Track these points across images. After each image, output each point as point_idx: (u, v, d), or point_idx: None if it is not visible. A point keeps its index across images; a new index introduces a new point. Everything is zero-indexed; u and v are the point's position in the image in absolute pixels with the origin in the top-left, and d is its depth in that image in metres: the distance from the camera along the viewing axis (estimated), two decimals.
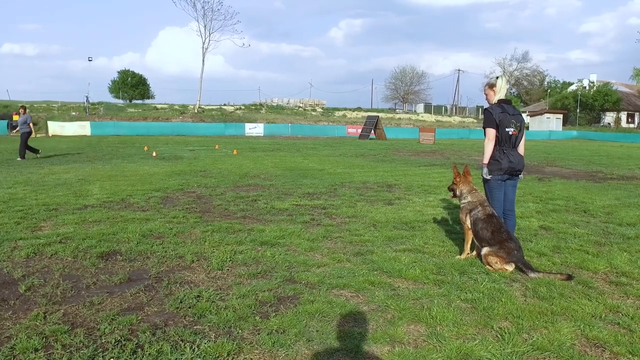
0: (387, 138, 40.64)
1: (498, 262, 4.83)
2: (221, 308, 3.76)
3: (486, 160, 5.18)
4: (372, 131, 40.53)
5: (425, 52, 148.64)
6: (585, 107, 71.87)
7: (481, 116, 77.81)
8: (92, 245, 5.49)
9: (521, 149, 5.35)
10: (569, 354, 3.10)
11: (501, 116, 5.15)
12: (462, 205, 5.42)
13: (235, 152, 20.21)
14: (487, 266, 4.90)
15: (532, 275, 4.61)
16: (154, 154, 18.62)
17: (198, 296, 4.02)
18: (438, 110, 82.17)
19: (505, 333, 3.36)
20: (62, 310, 3.69)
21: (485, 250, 4.97)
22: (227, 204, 8.36)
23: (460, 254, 5.37)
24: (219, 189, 10.25)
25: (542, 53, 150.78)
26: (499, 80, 5.33)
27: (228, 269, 4.77)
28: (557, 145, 36.33)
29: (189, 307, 3.78)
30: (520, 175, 5.40)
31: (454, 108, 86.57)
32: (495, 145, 5.19)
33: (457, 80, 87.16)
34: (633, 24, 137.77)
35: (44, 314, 3.61)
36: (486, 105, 5.46)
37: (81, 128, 37.39)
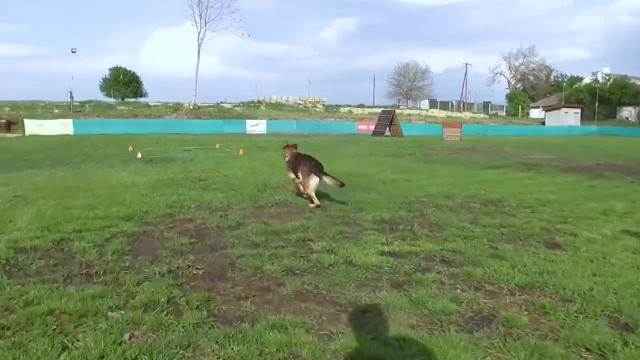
0: (403, 135, 36.62)
1: None
2: None
3: None
4: (387, 127, 36.57)
5: (423, 49, 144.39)
6: (602, 101, 68.02)
7: (492, 111, 73.99)
8: None
9: None
10: None
11: None
12: None
13: (241, 151, 16.15)
14: None
15: None
16: (139, 155, 14.56)
17: None
18: (444, 106, 78.05)
19: None
20: None
21: None
22: (254, 253, 4.36)
23: None
24: (232, 212, 6.25)
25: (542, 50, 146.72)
26: None
27: None
28: (591, 141, 32.46)
29: None
30: None
31: (462, 104, 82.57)
32: None
33: (465, 74, 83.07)
34: (624, 21, 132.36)
35: None
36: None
37: (63, 126, 33.16)
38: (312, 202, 6.55)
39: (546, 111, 64.61)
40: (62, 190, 8.01)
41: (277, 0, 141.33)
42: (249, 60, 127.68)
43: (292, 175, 7.03)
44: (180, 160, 13.67)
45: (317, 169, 6.61)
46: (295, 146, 7.52)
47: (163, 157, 14.75)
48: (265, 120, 40.52)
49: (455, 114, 64.42)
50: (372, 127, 40.83)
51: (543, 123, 62.31)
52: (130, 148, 17.38)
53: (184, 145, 20.78)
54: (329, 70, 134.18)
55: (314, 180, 6.49)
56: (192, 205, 6.71)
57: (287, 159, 7.25)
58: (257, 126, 38.37)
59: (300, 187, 6.87)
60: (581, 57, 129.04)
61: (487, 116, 66.99)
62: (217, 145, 19.96)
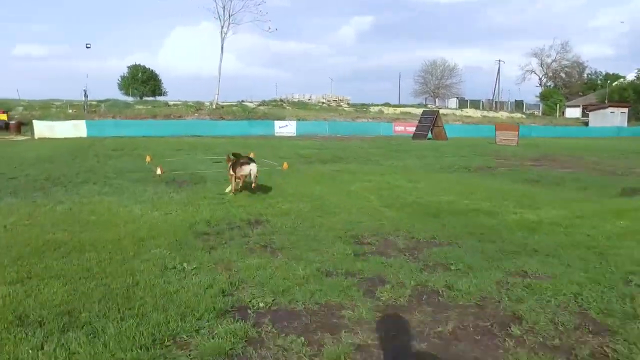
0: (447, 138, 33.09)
1: None
2: None
3: None
4: (430, 130, 33.12)
5: (441, 47, 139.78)
6: None
7: (528, 111, 69.63)
8: None
9: None
10: None
11: None
12: None
13: (285, 165, 12.90)
14: None
15: None
16: (159, 170, 11.45)
17: None
18: (474, 105, 73.73)
19: None
20: None
21: None
22: None
23: None
24: (347, 333, 3.03)
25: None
26: None
27: None
28: None
29: None
30: None
31: (494, 103, 78.22)
32: None
33: (498, 73, 78.64)
34: None
35: None
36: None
37: (75, 128, 30.36)
38: (234, 188, 8.06)
39: (589, 111, 60.27)
40: (34, 249, 4.90)
41: None
42: (267, 58, 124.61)
43: (232, 173, 8.08)
44: (211, 180, 10.51)
45: (249, 161, 7.98)
46: (237, 155, 8.58)
47: (189, 173, 11.61)
48: (294, 122, 37.31)
49: (491, 114, 60.42)
50: (409, 129, 37.49)
51: (586, 124, 58.12)
52: (148, 159, 14.30)
53: (209, 153, 17.66)
54: (348, 68, 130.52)
55: (246, 167, 7.87)
56: (261, 305, 3.53)
57: (229, 164, 8.32)
58: (286, 127, 35.19)
59: (234, 182, 8.11)
60: (605, 54, 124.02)
61: (523, 116, 62.84)
62: (252, 154, 16.76)
